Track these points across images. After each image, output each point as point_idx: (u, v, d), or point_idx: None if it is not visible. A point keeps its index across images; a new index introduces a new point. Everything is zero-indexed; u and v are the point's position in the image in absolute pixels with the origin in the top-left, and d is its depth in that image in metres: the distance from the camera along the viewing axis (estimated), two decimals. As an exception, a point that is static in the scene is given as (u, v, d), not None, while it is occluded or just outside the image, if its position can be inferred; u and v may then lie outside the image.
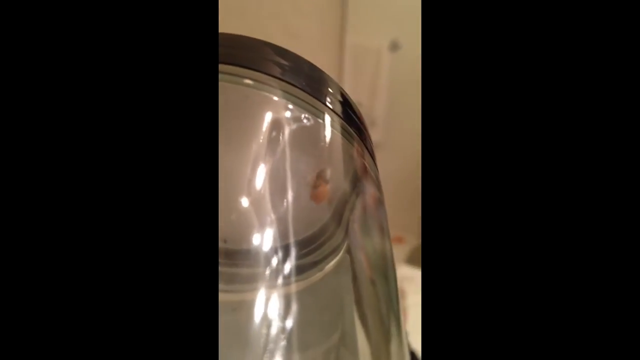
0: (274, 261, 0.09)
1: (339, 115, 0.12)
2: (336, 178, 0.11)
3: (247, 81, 0.10)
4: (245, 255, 0.09)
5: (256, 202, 0.09)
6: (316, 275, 0.10)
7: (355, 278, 0.10)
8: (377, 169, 0.13)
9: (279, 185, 0.10)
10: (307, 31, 0.76)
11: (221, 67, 0.10)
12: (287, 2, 0.73)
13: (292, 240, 0.09)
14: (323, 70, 0.13)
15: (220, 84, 0.10)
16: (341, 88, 0.13)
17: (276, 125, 0.10)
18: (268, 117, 0.10)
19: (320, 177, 0.11)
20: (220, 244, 0.09)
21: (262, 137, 0.10)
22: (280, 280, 0.09)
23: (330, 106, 0.12)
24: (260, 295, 0.09)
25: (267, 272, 0.09)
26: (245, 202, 0.09)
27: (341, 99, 0.13)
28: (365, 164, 0.12)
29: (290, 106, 0.11)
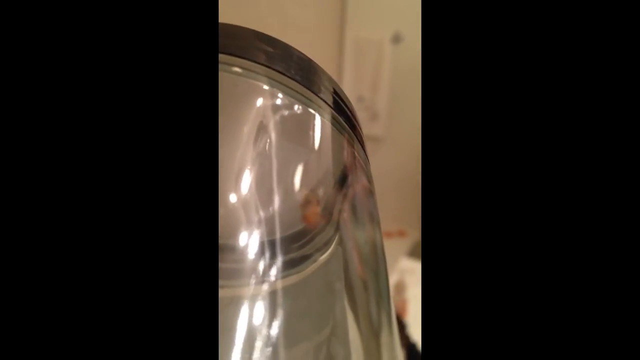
0: (265, 255, 0.09)
1: (329, 105, 0.12)
2: (326, 168, 0.11)
3: (236, 69, 0.10)
4: (234, 250, 0.09)
5: (244, 194, 0.09)
6: (309, 268, 0.10)
7: (346, 270, 0.10)
8: (368, 159, 0.13)
9: (268, 177, 0.10)
10: (307, 22, 0.75)
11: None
12: (287, -7, 0.72)
13: (281, 234, 0.09)
14: (323, 62, 0.13)
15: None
16: (331, 78, 0.13)
17: (265, 114, 0.10)
18: (257, 105, 0.10)
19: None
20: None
21: (250, 127, 0.10)
22: (272, 274, 0.09)
23: (320, 95, 0.12)
24: (252, 290, 0.08)
25: (258, 266, 0.09)
26: (233, 194, 0.09)
27: (331, 89, 0.13)
28: (355, 153, 0.12)
29: (280, 95, 0.11)
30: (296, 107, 0.11)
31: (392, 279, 0.73)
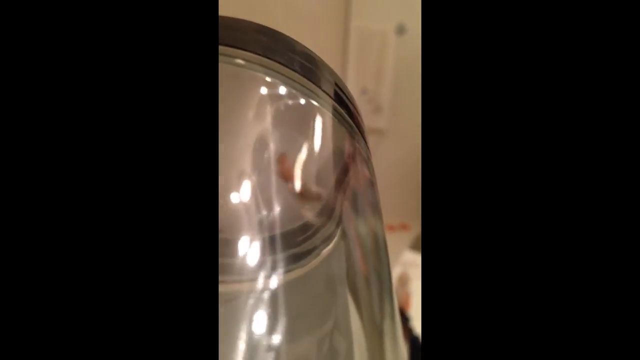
0: (268, 250, 0.09)
1: (330, 96, 0.12)
2: (326, 158, 0.11)
3: (239, 61, 0.10)
4: (237, 244, 0.09)
5: (245, 187, 0.09)
6: (312, 262, 0.10)
7: (349, 263, 0.10)
8: (370, 151, 0.13)
9: (269, 169, 0.10)
10: (311, 12, 0.74)
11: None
12: (291, -17, 0.71)
13: (284, 228, 0.09)
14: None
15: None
16: (333, 70, 0.13)
17: (266, 105, 0.10)
18: (258, 96, 0.10)
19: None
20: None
21: (251, 118, 0.10)
22: (275, 268, 0.09)
23: (322, 87, 0.12)
24: (256, 284, 0.09)
25: (262, 261, 0.09)
26: (235, 187, 0.09)
27: (333, 81, 0.13)
28: (357, 144, 0.12)
29: (281, 86, 0.11)
30: (297, 98, 0.11)
31: (396, 272, 0.73)
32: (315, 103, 0.11)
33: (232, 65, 0.10)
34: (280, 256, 0.09)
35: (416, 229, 0.94)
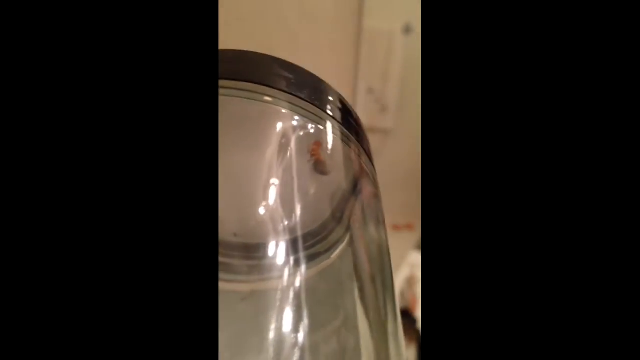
0: (289, 251, 0.10)
1: (338, 122, 0.13)
2: (338, 177, 0.13)
3: (267, 98, 0.12)
4: (263, 248, 0.10)
5: (272, 202, 0.11)
6: (324, 263, 0.11)
7: (356, 265, 0.11)
8: (374, 167, 0.15)
9: (290, 187, 0.11)
10: (325, 13, 0.74)
11: (237, 84, 0.12)
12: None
13: (302, 232, 0.11)
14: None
15: (239, 100, 0.12)
16: (337, 93, 0.14)
17: (286, 134, 0.12)
18: (279, 127, 0.12)
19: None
20: (234, 239, 0.10)
21: (274, 145, 0.12)
22: (292, 269, 0.10)
23: (331, 114, 0.13)
24: (277, 283, 0.09)
25: (283, 261, 0.10)
26: (261, 201, 0.11)
27: (340, 106, 0.14)
28: (362, 164, 0.14)
29: (297, 117, 0.12)
30: (311, 126, 0.13)
31: (403, 274, 0.72)
32: (326, 129, 0.13)
33: (261, 102, 0.12)
34: (300, 255, 0.10)
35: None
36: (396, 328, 0.12)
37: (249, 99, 0.12)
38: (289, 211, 0.11)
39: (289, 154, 0.12)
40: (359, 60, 0.81)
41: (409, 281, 0.70)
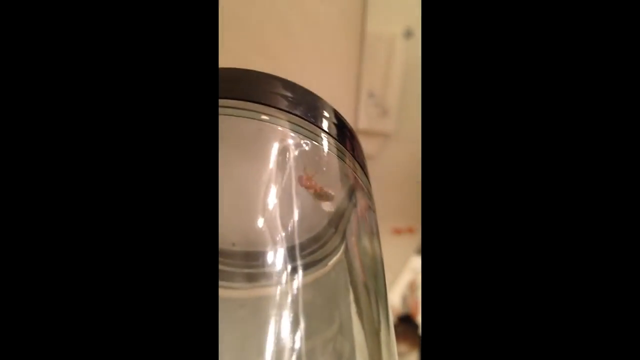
0: (286, 260, 0.10)
1: (334, 138, 0.14)
2: (334, 191, 0.13)
3: (264, 117, 0.13)
4: (261, 257, 0.10)
5: (269, 212, 0.11)
6: (320, 271, 0.11)
7: (351, 274, 0.12)
8: (369, 180, 0.15)
9: (287, 198, 0.12)
10: (327, 18, 0.74)
11: (238, 103, 0.13)
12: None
13: (298, 241, 0.11)
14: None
15: (238, 119, 0.13)
16: (332, 107, 0.15)
17: (284, 151, 0.13)
18: (276, 144, 0.13)
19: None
20: (232, 248, 0.10)
21: (272, 161, 0.12)
22: (290, 276, 0.10)
23: (327, 130, 0.14)
24: (275, 290, 0.10)
25: (280, 269, 0.10)
26: (259, 213, 0.11)
27: (335, 121, 0.15)
28: (357, 177, 0.15)
29: (293, 134, 0.13)
30: (307, 143, 0.13)
31: (405, 279, 0.72)
32: (321, 146, 0.14)
33: (257, 120, 0.13)
34: (297, 264, 0.10)
35: (423, 231, 0.92)
36: (389, 337, 0.12)
37: (246, 117, 0.13)
38: (286, 222, 0.11)
39: (286, 169, 0.13)
40: (360, 65, 0.81)
41: (412, 286, 0.70)
